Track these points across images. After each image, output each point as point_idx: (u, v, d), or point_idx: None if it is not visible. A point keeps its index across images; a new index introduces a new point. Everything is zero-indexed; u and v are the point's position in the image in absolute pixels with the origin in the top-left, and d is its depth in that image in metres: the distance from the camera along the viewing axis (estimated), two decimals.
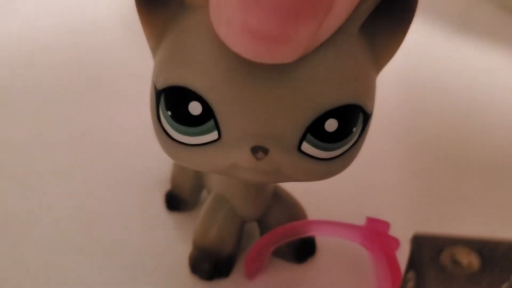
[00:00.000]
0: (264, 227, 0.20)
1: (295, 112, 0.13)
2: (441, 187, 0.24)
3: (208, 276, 0.19)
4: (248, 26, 0.11)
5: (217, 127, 0.13)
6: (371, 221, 0.19)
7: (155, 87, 0.14)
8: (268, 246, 0.19)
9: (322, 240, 0.20)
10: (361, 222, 0.19)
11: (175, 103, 0.13)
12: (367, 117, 0.14)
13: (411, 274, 0.11)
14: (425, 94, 0.31)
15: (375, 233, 0.18)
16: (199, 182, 0.21)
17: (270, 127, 0.13)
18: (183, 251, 0.20)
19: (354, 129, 0.14)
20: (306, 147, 0.13)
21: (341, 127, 0.13)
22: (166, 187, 0.22)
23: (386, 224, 0.18)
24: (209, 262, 0.19)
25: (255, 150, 0.13)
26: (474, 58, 0.35)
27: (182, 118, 0.13)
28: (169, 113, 0.13)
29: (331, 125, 0.13)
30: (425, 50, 0.36)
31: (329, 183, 0.23)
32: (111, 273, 0.19)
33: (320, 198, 0.22)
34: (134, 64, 0.26)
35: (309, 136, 0.13)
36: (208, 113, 0.13)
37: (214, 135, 0.13)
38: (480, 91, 0.31)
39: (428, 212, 0.22)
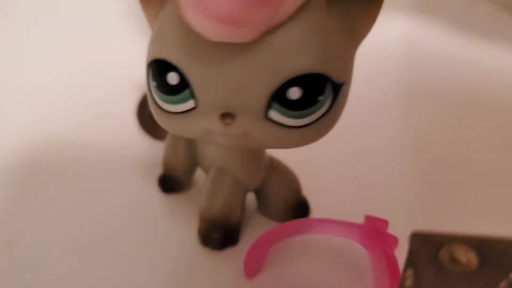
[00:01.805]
0: (263, 196, 0.21)
1: (259, 81, 0.14)
2: (439, 185, 0.24)
3: (220, 245, 0.20)
4: (209, 10, 0.12)
5: (193, 96, 0.15)
6: (369, 219, 0.19)
7: (146, 62, 0.16)
8: (267, 245, 0.19)
9: (321, 238, 0.20)
10: (360, 220, 0.19)
11: (157, 74, 0.15)
12: (337, 87, 0.15)
13: (410, 272, 0.11)
14: (425, 93, 0.31)
15: (374, 231, 0.18)
16: (192, 161, 0.22)
17: (237, 95, 0.14)
18: (187, 229, 0.20)
19: (320, 98, 0.14)
20: (273, 114, 0.15)
21: (305, 95, 0.14)
22: (157, 172, 0.23)
23: (384, 222, 0.18)
24: (219, 231, 0.20)
25: (223, 116, 0.14)
26: (474, 56, 0.35)
27: (164, 88, 0.15)
28: (155, 83, 0.15)
29: (294, 93, 0.14)
30: (425, 49, 0.36)
31: (328, 182, 0.24)
32: (120, 264, 0.19)
33: (319, 197, 0.22)
34: None
35: (275, 104, 0.14)
36: (184, 83, 0.15)
37: (191, 104, 0.15)
38: (479, 90, 0.31)
39: (427, 210, 0.22)
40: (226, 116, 0.14)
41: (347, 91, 0.16)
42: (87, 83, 0.31)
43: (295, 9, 0.13)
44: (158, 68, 0.15)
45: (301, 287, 0.19)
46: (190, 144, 0.21)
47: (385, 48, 0.35)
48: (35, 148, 0.25)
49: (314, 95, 0.14)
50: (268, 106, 0.14)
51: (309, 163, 0.24)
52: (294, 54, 0.14)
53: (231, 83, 0.14)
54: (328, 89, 0.14)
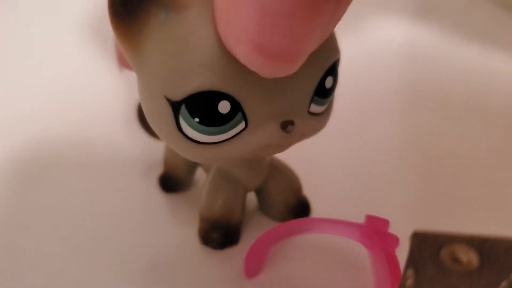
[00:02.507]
0: (263, 196, 0.21)
1: (305, 81, 0.14)
2: (440, 185, 0.24)
3: (220, 245, 0.20)
4: (263, 48, 0.12)
5: (244, 117, 0.14)
6: (370, 218, 0.19)
7: (168, 100, 0.14)
8: (267, 244, 0.19)
9: (322, 238, 0.20)
10: (361, 220, 0.19)
11: (203, 108, 0.13)
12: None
13: (411, 272, 0.11)
14: (425, 94, 0.31)
15: (375, 231, 0.18)
16: (192, 161, 0.22)
17: (290, 101, 0.14)
18: (187, 229, 0.20)
19: (337, 81, 0.16)
20: (312, 107, 0.15)
21: (334, 80, 0.15)
22: (157, 171, 0.23)
23: (385, 222, 0.18)
24: (220, 231, 0.20)
25: (284, 125, 0.14)
26: (474, 57, 0.35)
27: (212, 120, 0.14)
28: (197, 119, 0.14)
29: (329, 81, 0.15)
30: (425, 50, 0.36)
31: (328, 181, 0.24)
32: (120, 264, 0.19)
33: (320, 196, 0.22)
34: None
35: (315, 97, 0.15)
36: (235, 108, 0.14)
37: (241, 126, 0.14)
38: (480, 91, 0.31)
39: (428, 210, 0.22)
40: (288, 124, 0.14)
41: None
42: (88, 82, 0.31)
43: (337, 23, 0.13)
44: (204, 100, 0.13)
45: (302, 286, 0.19)
46: None
47: (385, 49, 0.35)
48: (35, 148, 0.25)
49: (337, 78, 0.16)
50: (311, 101, 0.15)
51: (309, 163, 0.24)
52: (327, 49, 0.15)
53: (283, 93, 0.14)
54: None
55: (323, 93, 0.15)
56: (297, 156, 0.21)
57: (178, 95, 0.13)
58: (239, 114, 0.14)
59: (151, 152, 0.25)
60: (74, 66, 0.33)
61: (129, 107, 0.24)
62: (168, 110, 0.14)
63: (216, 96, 0.13)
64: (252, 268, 0.19)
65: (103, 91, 0.30)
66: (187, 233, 0.21)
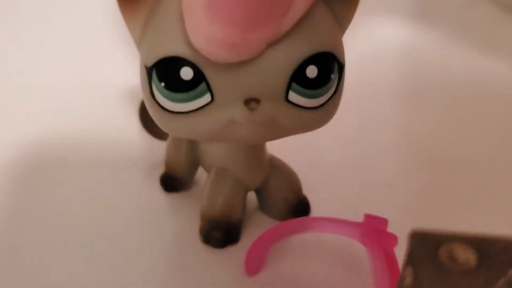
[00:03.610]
0: (263, 195, 0.21)
1: (278, 64, 0.14)
2: (439, 184, 0.24)
3: (221, 243, 0.20)
4: (212, 36, 0.13)
5: (209, 89, 0.15)
6: (369, 217, 0.19)
7: (145, 67, 0.15)
8: (268, 243, 0.19)
9: (321, 236, 0.20)
10: (359, 218, 0.19)
11: (167, 73, 0.15)
12: (341, 67, 0.16)
13: (409, 270, 0.11)
14: (424, 94, 0.32)
15: (373, 230, 0.18)
16: (194, 160, 0.22)
17: (258, 80, 0.14)
18: (189, 228, 0.21)
19: (332, 76, 0.15)
20: (292, 96, 0.15)
21: (320, 72, 0.15)
22: (159, 171, 0.23)
23: (384, 221, 0.19)
24: (220, 230, 0.20)
25: (248, 102, 0.14)
26: (473, 57, 0.35)
27: (176, 86, 0.15)
28: (163, 84, 0.15)
29: (312, 71, 0.15)
30: (424, 50, 0.36)
31: (328, 181, 0.24)
32: (123, 263, 0.19)
33: (319, 196, 0.22)
34: None
35: (294, 85, 0.15)
36: (199, 77, 0.14)
37: (207, 98, 0.15)
38: (478, 90, 0.31)
39: (426, 209, 0.22)
40: (251, 101, 0.14)
41: (344, 75, 0.17)
42: (90, 82, 0.31)
43: (295, 22, 0.14)
44: (169, 65, 0.15)
45: (301, 284, 0.19)
46: (192, 143, 0.21)
47: (385, 51, 0.35)
48: (37, 148, 0.25)
49: (328, 73, 0.15)
50: (288, 88, 0.15)
51: (309, 163, 0.24)
52: (311, 34, 0.15)
53: (252, 69, 0.14)
54: (336, 68, 0.16)
55: (306, 83, 0.15)
56: (297, 156, 0.21)
57: (150, 62, 0.15)
58: (203, 84, 0.14)
59: (153, 152, 0.25)
60: (77, 66, 0.33)
61: (131, 107, 0.25)
62: (145, 77, 0.15)
63: (179, 62, 0.14)
64: (253, 266, 0.19)
65: (105, 91, 0.30)
66: (188, 232, 0.21)
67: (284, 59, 0.14)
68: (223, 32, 0.13)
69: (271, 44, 0.14)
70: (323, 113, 0.16)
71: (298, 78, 0.15)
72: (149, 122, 0.24)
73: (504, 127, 0.29)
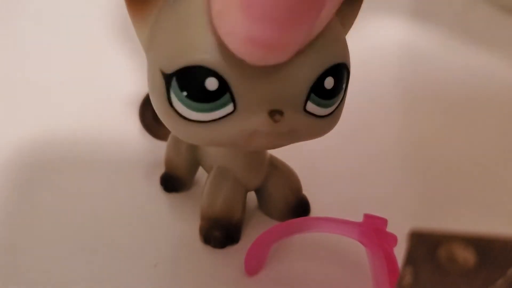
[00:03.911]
0: (263, 195, 0.21)
1: (300, 75, 0.15)
2: (438, 183, 0.24)
3: (221, 244, 0.20)
4: (250, 37, 0.13)
5: (232, 99, 0.14)
6: (368, 217, 0.19)
7: (162, 73, 0.15)
8: (268, 243, 0.19)
9: (320, 236, 0.20)
10: (359, 218, 0.19)
11: (191, 82, 0.14)
12: (348, 73, 0.16)
13: (408, 270, 0.11)
14: (423, 94, 0.32)
15: (373, 230, 0.18)
16: (194, 160, 0.22)
17: (282, 91, 0.15)
18: (189, 228, 0.21)
19: (344, 86, 0.16)
20: (309, 106, 0.15)
21: (336, 83, 0.15)
22: (159, 171, 0.23)
23: (383, 221, 0.19)
24: (220, 230, 0.20)
25: (272, 113, 0.14)
26: (472, 58, 0.35)
27: (199, 96, 0.14)
28: (185, 93, 0.14)
29: (329, 82, 0.15)
30: (424, 52, 0.36)
31: (328, 181, 0.24)
32: (123, 263, 0.20)
33: (319, 196, 0.22)
34: None
35: (312, 95, 0.15)
36: (223, 88, 0.14)
37: (229, 108, 0.15)
38: (479, 92, 0.31)
39: (426, 209, 0.23)
40: (276, 113, 0.14)
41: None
42: (90, 82, 0.31)
43: (324, 25, 0.14)
44: (193, 74, 0.14)
45: (301, 284, 0.19)
46: (192, 143, 0.21)
47: (385, 52, 0.35)
48: (37, 147, 0.25)
49: (341, 82, 0.16)
50: (307, 98, 0.15)
51: (309, 162, 0.24)
52: (329, 46, 0.15)
53: (275, 81, 0.14)
54: (346, 76, 0.16)
55: (323, 93, 0.15)
56: (296, 156, 0.21)
57: (170, 68, 0.14)
58: (227, 95, 0.14)
59: (153, 152, 0.25)
60: (77, 66, 0.33)
61: (131, 107, 0.25)
62: (162, 84, 0.15)
63: (204, 71, 0.14)
64: (253, 266, 0.19)
65: (105, 91, 0.30)
66: (188, 232, 0.21)
67: (307, 71, 0.15)
68: (263, 31, 0.12)
69: (298, 52, 0.14)
70: (331, 120, 0.17)
71: (317, 89, 0.15)
72: (149, 122, 0.24)
73: (504, 127, 0.29)
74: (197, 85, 0.14)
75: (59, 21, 0.38)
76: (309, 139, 0.17)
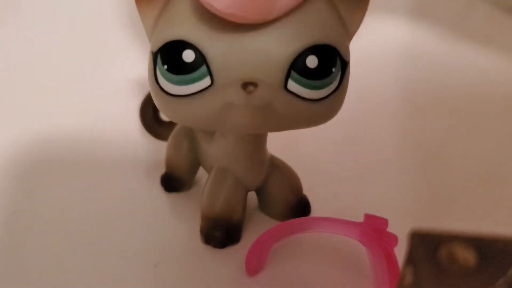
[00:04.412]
0: (264, 195, 0.21)
1: (278, 50, 0.15)
2: (438, 184, 0.24)
3: (221, 243, 0.20)
4: None
5: (209, 73, 0.15)
6: (369, 217, 0.19)
7: (152, 53, 0.16)
8: (268, 243, 0.19)
9: (321, 236, 0.20)
10: (360, 218, 0.19)
11: (170, 56, 0.15)
12: (344, 63, 0.16)
13: (409, 270, 0.11)
14: (424, 94, 0.32)
15: (374, 230, 0.18)
16: (194, 160, 0.22)
17: (257, 65, 0.15)
18: (189, 227, 0.21)
19: (333, 69, 0.16)
20: (292, 85, 0.15)
21: (321, 64, 0.15)
22: (159, 171, 0.23)
23: (384, 221, 0.19)
24: (221, 230, 0.20)
25: (245, 85, 0.15)
26: (473, 59, 0.35)
27: (177, 68, 0.15)
28: (165, 66, 0.15)
29: (312, 61, 0.15)
30: (424, 52, 0.36)
31: (328, 181, 0.24)
32: (123, 262, 0.20)
33: (320, 196, 0.22)
34: None
35: (293, 73, 0.15)
36: (200, 60, 0.15)
37: (207, 81, 0.15)
38: (477, 91, 0.31)
39: (426, 209, 0.23)
40: (249, 84, 0.15)
41: (349, 73, 0.17)
42: (90, 82, 0.31)
43: None
44: (172, 49, 0.15)
45: (302, 284, 0.19)
46: (192, 143, 0.21)
47: (385, 51, 0.35)
48: (38, 148, 0.25)
49: (329, 65, 0.15)
50: (287, 76, 0.15)
51: (309, 162, 0.24)
52: (312, 27, 0.15)
53: (252, 54, 0.15)
54: (338, 63, 0.16)
55: (306, 72, 0.15)
56: (297, 156, 0.21)
57: (156, 46, 0.16)
58: (204, 67, 0.15)
59: (154, 152, 0.25)
60: (77, 66, 0.33)
61: (132, 107, 0.25)
62: (151, 63, 0.16)
63: (182, 44, 0.15)
64: (253, 266, 0.19)
65: (106, 91, 0.30)
66: (189, 232, 0.21)
67: (284, 46, 0.15)
68: None
69: (277, 21, 0.15)
70: (324, 108, 0.16)
71: (298, 67, 0.15)
72: (149, 122, 0.24)
73: (504, 127, 0.29)
74: (175, 57, 0.15)
75: (59, 21, 0.38)
76: (302, 126, 0.17)
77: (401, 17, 0.40)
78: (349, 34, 0.17)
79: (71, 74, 0.32)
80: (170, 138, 0.22)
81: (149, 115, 0.23)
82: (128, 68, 0.31)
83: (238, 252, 0.20)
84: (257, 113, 0.15)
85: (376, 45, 0.34)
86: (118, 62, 0.32)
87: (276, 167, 0.21)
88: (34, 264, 0.19)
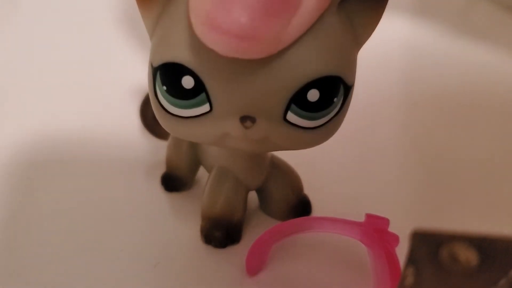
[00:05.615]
0: (264, 195, 0.21)
1: (279, 84, 0.14)
2: (440, 183, 0.24)
3: (222, 244, 0.20)
4: (219, 26, 0.13)
5: (208, 100, 0.15)
6: (370, 217, 0.19)
7: (151, 65, 0.15)
8: (269, 243, 0.19)
9: (322, 236, 0.20)
10: (361, 218, 0.19)
11: (169, 78, 0.15)
12: (347, 88, 0.15)
13: (410, 270, 0.11)
14: (425, 93, 0.31)
15: (375, 230, 0.18)
16: (194, 160, 0.22)
17: (257, 98, 0.14)
18: (189, 227, 0.21)
19: (335, 100, 0.15)
20: (291, 116, 0.15)
21: (322, 97, 0.15)
22: (160, 171, 0.23)
23: (385, 221, 0.19)
24: (221, 230, 0.20)
25: (243, 119, 0.14)
26: (475, 57, 0.35)
27: (176, 92, 0.15)
28: (164, 87, 0.15)
29: (313, 95, 0.15)
30: (426, 51, 0.36)
31: (329, 181, 0.24)
32: (123, 263, 0.19)
33: (320, 195, 0.22)
34: None
35: (293, 106, 0.15)
36: (199, 87, 0.14)
37: (206, 108, 0.15)
38: (479, 90, 0.31)
39: (428, 208, 0.22)
40: (247, 119, 0.14)
41: (351, 95, 0.16)
42: (90, 82, 0.31)
43: (306, 27, 0.14)
44: (171, 71, 0.15)
45: (303, 284, 0.19)
46: (193, 143, 0.21)
47: (386, 50, 0.35)
48: (38, 147, 0.25)
49: (331, 96, 0.15)
50: (287, 109, 0.15)
51: (310, 162, 0.24)
52: (313, 59, 0.14)
53: (251, 87, 0.14)
54: (341, 91, 0.15)
55: (306, 105, 0.15)
56: (298, 155, 0.21)
57: (156, 62, 0.15)
58: (203, 95, 0.15)
59: (154, 152, 0.25)
60: (77, 66, 0.33)
61: (131, 107, 0.25)
62: (151, 75, 0.15)
63: (181, 69, 0.14)
64: (254, 266, 0.19)
65: (106, 90, 0.30)
66: (189, 231, 0.21)
67: (285, 81, 0.14)
68: (233, 22, 0.12)
69: (278, 57, 0.14)
70: (321, 133, 0.16)
71: (298, 100, 0.15)
72: (150, 121, 0.24)
73: (504, 126, 0.29)
74: (174, 81, 0.15)
75: (59, 21, 0.38)
76: (296, 149, 0.16)
77: (402, 15, 0.40)
78: (359, 45, 0.16)
79: (71, 74, 0.32)
80: (171, 137, 0.22)
81: (150, 114, 0.23)
82: (129, 67, 0.31)
83: (239, 252, 0.20)
84: (253, 143, 0.15)
85: (377, 43, 0.34)
86: (118, 61, 0.32)
87: (277, 166, 0.21)
88: (34, 264, 0.19)
